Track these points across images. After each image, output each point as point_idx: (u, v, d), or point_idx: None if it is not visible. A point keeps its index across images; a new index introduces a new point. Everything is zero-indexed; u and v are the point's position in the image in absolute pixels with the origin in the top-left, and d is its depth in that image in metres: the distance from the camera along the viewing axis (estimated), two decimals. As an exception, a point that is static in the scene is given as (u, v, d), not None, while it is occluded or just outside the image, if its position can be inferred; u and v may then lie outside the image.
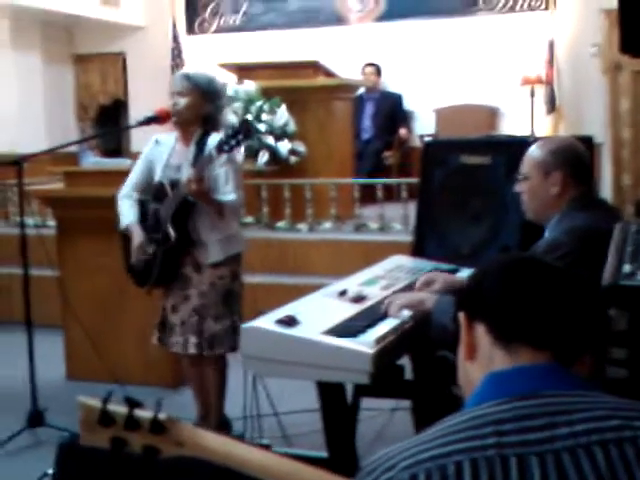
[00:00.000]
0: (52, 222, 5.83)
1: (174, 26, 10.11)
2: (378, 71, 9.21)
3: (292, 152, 6.74)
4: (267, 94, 6.77)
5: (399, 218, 6.38)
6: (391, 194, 6.95)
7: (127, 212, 3.89)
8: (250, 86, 6.82)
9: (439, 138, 7.95)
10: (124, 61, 10.67)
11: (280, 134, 6.67)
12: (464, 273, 3.33)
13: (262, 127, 6.58)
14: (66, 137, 8.54)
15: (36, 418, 4.14)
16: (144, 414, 1.49)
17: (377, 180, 6.95)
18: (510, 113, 8.93)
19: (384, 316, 2.78)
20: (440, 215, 4.00)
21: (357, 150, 8.10)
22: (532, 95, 8.65)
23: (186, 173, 3.67)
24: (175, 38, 10.11)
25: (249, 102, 6.68)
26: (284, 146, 6.68)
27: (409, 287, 3.13)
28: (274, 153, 6.65)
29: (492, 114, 8.99)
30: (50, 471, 2.63)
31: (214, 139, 3.70)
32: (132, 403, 1.50)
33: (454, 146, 4.16)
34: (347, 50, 9.29)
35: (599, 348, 1.86)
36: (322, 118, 6.98)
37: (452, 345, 1.37)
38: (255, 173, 6.60)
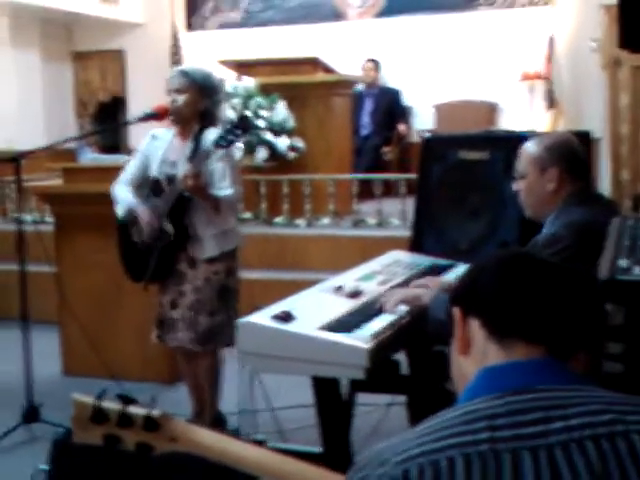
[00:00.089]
0: (50, 218, 5.83)
1: (173, 23, 10.09)
2: (377, 66, 9.20)
3: (291, 148, 6.74)
4: (266, 90, 6.77)
5: (397, 213, 6.38)
6: (389, 190, 6.95)
7: (125, 196, 3.87)
8: (249, 82, 6.83)
9: (438, 134, 7.95)
10: (123, 58, 10.66)
11: (279, 130, 6.67)
12: (461, 269, 3.32)
13: (261, 123, 6.58)
14: (65, 134, 8.55)
15: (31, 414, 4.14)
16: (137, 411, 1.49)
17: (375, 176, 6.95)
18: (509, 109, 8.92)
19: (380, 311, 2.77)
20: (438, 210, 4.00)
21: (356, 146, 8.10)
22: (531, 91, 8.65)
23: (182, 169, 3.66)
24: (174, 35, 10.11)
25: (248, 98, 6.68)
26: (283, 142, 6.68)
27: (406, 283, 3.12)
28: (273, 149, 6.65)
29: (491, 110, 8.99)
30: (44, 467, 2.63)
31: (211, 134, 3.70)
32: (125, 400, 1.50)
33: (453, 142, 4.16)
34: (346, 46, 9.28)
35: (595, 343, 1.85)
36: (321, 114, 6.97)
37: (448, 340, 1.36)
38: (254, 169, 6.60)
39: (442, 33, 9.12)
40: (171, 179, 3.72)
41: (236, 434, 3.54)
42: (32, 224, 5.18)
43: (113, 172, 4.09)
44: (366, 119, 8.96)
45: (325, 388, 2.78)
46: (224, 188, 3.72)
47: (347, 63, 8.66)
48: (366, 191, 6.89)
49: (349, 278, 3.19)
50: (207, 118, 3.82)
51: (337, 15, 9.63)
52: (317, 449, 2.87)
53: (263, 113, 6.63)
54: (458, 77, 8.98)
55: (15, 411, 4.15)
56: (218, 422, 3.89)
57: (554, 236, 2.67)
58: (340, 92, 7.27)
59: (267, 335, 2.60)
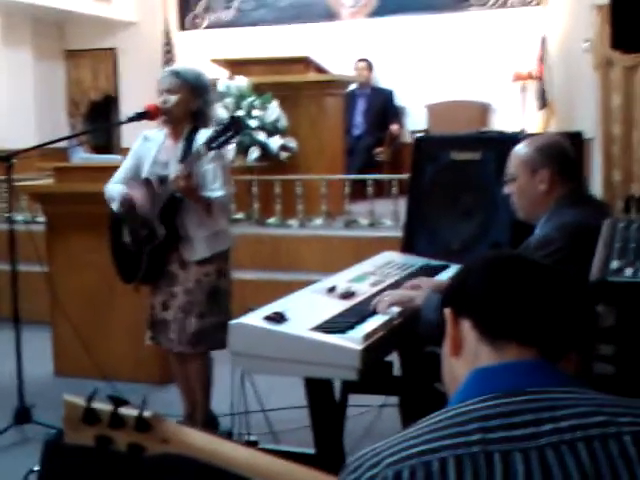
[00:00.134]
0: (42, 218, 5.81)
1: (166, 22, 10.07)
2: (370, 66, 9.20)
3: (283, 148, 6.74)
4: (259, 90, 6.76)
5: (389, 214, 6.38)
6: (382, 190, 6.95)
7: (118, 189, 3.85)
8: (242, 82, 6.81)
9: (430, 134, 7.95)
10: (115, 57, 10.63)
11: (271, 130, 6.66)
12: (454, 269, 3.32)
13: (253, 123, 6.57)
14: (56, 133, 8.51)
15: (23, 415, 4.12)
16: (129, 412, 1.49)
17: (368, 176, 6.95)
18: (501, 109, 8.93)
19: (373, 312, 2.77)
20: (431, 211, 4.00)
21: (348, 146, 8.09)
22: (523, 91, 8.66)
23: (174, 169, 3.65)
24: (167, 34, 10.08)
25: (240, 98, 6.67)
26: (275, 142, 6.67)
27: (398, 284, 3.13)
28: (265, 149, 6.64)
29: (483, 110, 9.00)
30: (36, 468, 2.63)
31: (203, 135, 3.69)
32: (117, 401, 1.50)
33: (445, 142, 4.16)
34: (339, 46, 9.27)
35: (586, 345, 1.86)
36: (313, 114, 6.97)
37: (440, 342, 1.36)
38: (246, 169, 6.59)
39: (434, 33, 9.12)
40: (163, 180, 3.71)
41: (228, 435, 3.54)
42: (23, 224, 5.17)
43: (105, 172, 4.08)
44: (358, 119, 8.96)
45: (318, 389, 2.78)
46: (216, 189, 3.71)
47: (339, 63, 8.65)
48: (358, 191, 6.89)
49: (342, 279, 3.19)
50: (199, 118, 3.82)
51: (330, 15, 9.63)
52: (310, 450, 2.87)
53: (256, 113, 6.62)
54: (450, 77, 8.98)
55: (6, 412, 4.14)
56: (210, 423, 3.89)
57: (546, 238, 2.68)
58: (333, 92, 7.27)
59: (259, 336, 2.60)
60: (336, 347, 2.49)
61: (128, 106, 9.29)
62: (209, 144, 3.55)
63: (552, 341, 1.25)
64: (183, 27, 10.27)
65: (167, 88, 3.76)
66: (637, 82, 7.13)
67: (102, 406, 1.49)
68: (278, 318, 2.63)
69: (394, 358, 3.45)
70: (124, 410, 1.48)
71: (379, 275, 3.29)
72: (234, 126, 3.60)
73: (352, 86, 8.65)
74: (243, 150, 6.58)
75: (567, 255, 2.53)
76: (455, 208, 3.94)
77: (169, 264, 3.81)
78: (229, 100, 6.63)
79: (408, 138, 8.78)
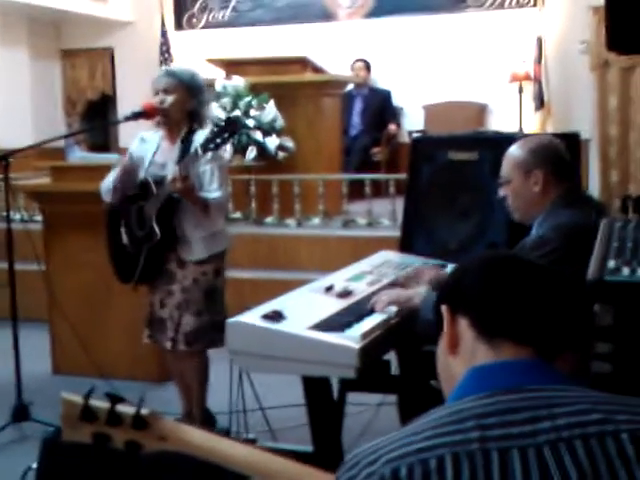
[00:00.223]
0: (39, 217, 5.81)
1: (162, 21, 10.07)
2: (368, 67, 9.20)
3: (280, 148, 6.74)
4: (255, 90, 6.76)
5: (387, 214, 6.39)
6: (379, 190, 6.96)
7: (110, 179, 3.83)
8: (238, 82, 6.81)
9: (427, 134, 7.96)
10: (112, 56, 10.62)
11: (268, 130, 6.67)
12: (450, 269, 3.33)
13: (250, 123, 6.57)
14: (53, 132, 8.51)
15: (21, 413, 4.13)
16: (126, 409, 1.49)
17: (365, 176, 6.95)
18: (498, 110, 8.94)
19: (370, 311, 2.78)
20: (428, 211, 4.00)
21: (345, 146, 8.10)
22: (520, 92, 8.66)
23: (171, 171, 3.65)
24: (163, 33, 10.07)
25: (237, 97, 6.67)
26: (272, 142, 6.67)
27: (395, 283, 3.13)
28: (262, 149, 6.64)
29: (480, 111, 9.01)
30: (34, 465, 2.63)
31: (200, 136, 3.69)
32: (114, 398, 1.50)
33: (442, 142, 4.16)
34: (336, 46, 9.28)
35: (583, 344, 1.86)
36: (311, 114, 6.98)
37: (437, 341, 1.37)
38: (243, 169, 6.59)
39: (431, 34, 9.13)
40: (159, 181, 3.71)
41: (226, 434, 3.54)
42: (21, 223, 5.17)
43: (102, 171, 4.08)
44: (356, 119, 8.97)
45: (315, 387, 2.78)
46: (213, 190, 3.71)
47: (337, 63, 8.66)
48: (356, 191, 6.89)
49: (339, 278, 3.20)
50: (194, 119, 3.82)
51: (326, 15, 9.63)
52: (308, 449, 2.88)
53: (253, 113, 6.62)
54: (448, 78, 8.99)
55: (4, 410, 4.14)
56: (207, 422, 3.89)
57: (542, 238, 2.68)
58: (330, 92, 7.28)
59: (257, 335, 2.61)
60: (334, 345, 2.50)
61: (125, 105, 9.28)
62: (205, 145, 3.56)
63: (547, 341, 1.26)
64: (180, 27, 10.26)
65: (164, 88, 3.76)
66: (633, 83, 7.16)
67: (99, 404, 1.50)
68: (276, 317, 2.64)
69: (392, 357, 3.46)
70: (121, 407, 1.49)
71: (376, 274, 3.30)
72: (230, 127, 3.60)
73: (349, 86, 8.65)
74: (241, 150, 6.58)
75: (563, 255, 2.53)
76: (452, 208, 3.94)
77: (168, 262, 3.81)
78: (226, 100, 6.63)
79: (405, 138, 8.79)
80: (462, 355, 1.28)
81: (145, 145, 3.89)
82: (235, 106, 6.62)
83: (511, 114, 8.69)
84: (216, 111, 6.26)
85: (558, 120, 8.46)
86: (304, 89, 7.01)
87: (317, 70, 7.51)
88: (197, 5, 10.16)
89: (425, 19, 9.14)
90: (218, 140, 3.56)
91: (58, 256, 5.07)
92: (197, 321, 3.80)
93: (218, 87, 6.68)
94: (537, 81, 8.63)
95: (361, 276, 3.25)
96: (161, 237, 3.70)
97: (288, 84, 7.00)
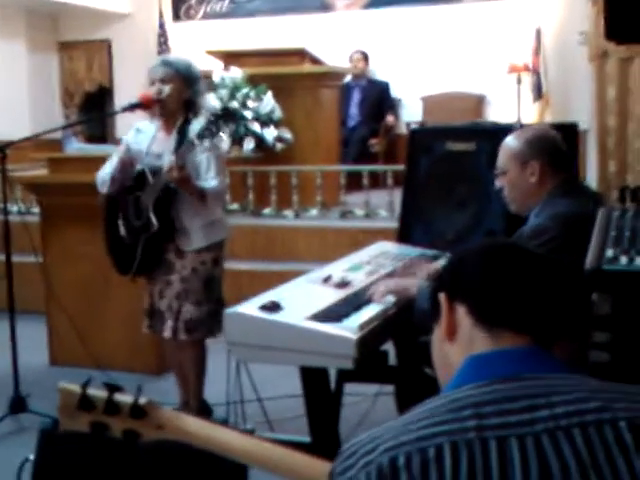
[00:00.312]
0: (36, 209, 5.80)
1: (160, 13, 10.04)
2: (366, 58, 9.19)
3: (278, 139, 6.74)
4: (253, 81, 6.75)
5: (385, 205, 6.39)
6: (377, 181, 6.96)
7: (107, 170, 3.83)
8: (236, 73, 6.80)
9: (425, 125, 7.95)
10: (109, 48, 10.61)
11: (266, 121, 6.66)
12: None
13: (248, 114, 6.56)
14: (51, 124, 8.47)
15: (18, 404, 4.13)
16: (124, 398, 1.49)
17: (363, 167, 6.95)
18: (497, 101, 8.93)
19: (368, 302, 2.78)
20: (426, 202, 4.00)
21: (343, 137, 8.09)
22: (519, 83, 8.65)
23: (167, 161, 3.65)
24: (161, 25, 10.05)
25: (235, 89, 6.66)
26: (270, 133, 6.66)
27: (392, 274, 3.13)
28: (260, 140, 6.64)
29: (479, 102, 9.00)
30: (32, 457, 2.63)
31: (195, 126, 3.69)
32: (112, 388, 1.50)
33: (440, 133, 4.16)
34: (334, 37, 9.26)
35: (580, 333, 1.86)
36: (309, 105, 6.97)
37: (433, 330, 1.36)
38: (241, 160, 6.58)
39: (429, 25, 9.11)
40: (156, 171, 3.71)
41: (224, 424, 3.54)
42: (18, 214, 5.16)
43: (99, 162, 4.07)
44: (354, 110, 8.96)
45: (313, 378, 2.78)
46: (209, 179, 3.71)
47: (335, 54, 8.64)
48: (354, 182, 6.89)
49: (337, 269, 3.20)
50: (190, 108, 3.82)
51: (325, 6, 9.61)
52: (306, 439, 2.88)
53: (250, 104, 6.61)
54: (446, 69, 8.98)
55: (2, 402, 4.14)
56: (204, 412, 3.89)
57: (539, 227, 2.68)
58: (328, 83, 7.27)
59: (255, 325, 2.61)
60: (331, 336, 2.50)
61: (122, 97, 9.26)
62: (201, 134, 3.56)
63: (545, 329, 1.25)
64: (177, 18, 10.24)
65: (160, 77, 3.75)
66: (632, 74, 7.14)
67: (97, 393, 1.50)
68: (274, 307, 2.64)
69: (389, 347, 3.46)
70: (119, 397, 1.49)
71: (374, 265, 3.30)
72: (225, 116, 3.60)
73: (347, 77, 8.64)
74: (238, 141, 6.57)
75: (561, 244, 2.53)
76: (450, 199, 3.94)
77: (166, 253, 3.81)
78: (224, 91, 6.62)
79: (403, 129, 8.77)
80: (459, 342, 1.28)
81: (141, 135, 3.88)
82: (233, 97, 6.61)
83: (509, 105, 8.68)
84: (213, 102, 6.25)
85: (556, 111, 8.44)
86: (302, 80, 7.00)
87: (315, 61, 7.50)
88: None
89: (423, 10, 9.12)
90: (213, 128, 3.56)
91: (56, 248, 5.06)
92: (197, 310, 3.81)
93: (216, 79, 6.66)
94: (535, 72, 8.62)
95: (359, 267, 3.25)
96: (159, 227, 3.70)
97: (286, 75, 6.99)
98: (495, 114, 8.71)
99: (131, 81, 8.98)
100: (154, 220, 3.70)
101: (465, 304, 1.28)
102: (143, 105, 3.80)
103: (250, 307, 2.67)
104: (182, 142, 3.67)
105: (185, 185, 3.64)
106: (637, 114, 6.99)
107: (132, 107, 3.84)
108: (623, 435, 1.11)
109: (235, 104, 6.52)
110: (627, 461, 1.10)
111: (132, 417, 1.48)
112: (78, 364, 4.64)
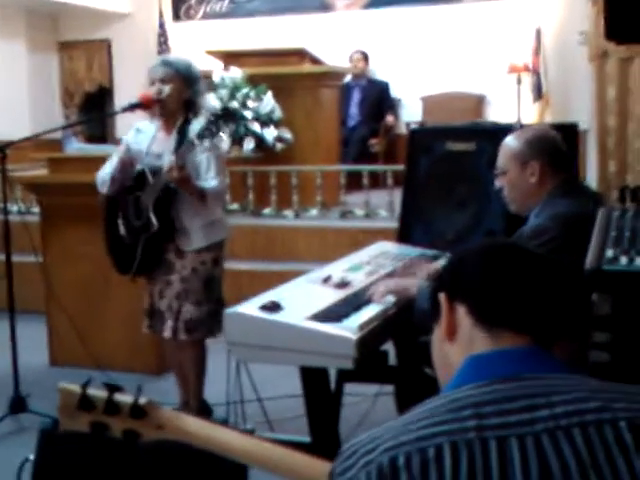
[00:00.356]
0: (36, 209, 5.80)
1: (160, 13, 10.04)
2: (366, 58, 9.19)
3: (278, 139, 6.74)
4: (253, 81, 6.75)
5: (385, 205, 6.39)
6: (377, 181, 6.96)
7: (107, 170, 3.83)
8: (236, 73, 6.80)
9: (425, 125, 7.95)
10: (109, 48, 10.61)
11: (266, 121, 6.66)
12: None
13: (248, 114, 6.56)
14: (51, 124, 8.47)
15: (18, 404, 4.12)
16: (124, 398, 1.49)
17: (363, 167, 6.95)
18: (497, 101, 8.93)
19: (368, 302, 2.78)
20: (426, 202, 4.00)
21: (343, 137, 8.09)
22: (519, 83, 8.65)
23: (167, 161, 3.65)
24: (161, 25, 10.05)
25: (235, 89, 6.66)
26: (270, 133, 6.67)
27: (392, 274, 3.13)
28: (260, 140, 6.64)
29: (479, 102, 9.00)
30: (32, 457, 2.63)
31: (195, 126, 3.69)
32: (112, 387, 1.50)
33: (440, 133, 4.16)
34: (334, 37, 9.26)
35: (580, 333, 1.86)
36: (309, 105, 6.97)
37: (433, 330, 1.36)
38: (241, 160, 6.58)
39: (429, 25, 9.11)
40: (156, 171, 3.71)
41: (224, 424, 3.54)
42: (18, 214, 5.16)
43: (99, 162, 4.07)
44: (354, 110, 8.96)
45: (313, 378, 2.78)
46: (209, 179, 3.71)
47: (335, 54, 8.64)
48: (354, 182, 6.89)
49: (337, 269, 3.20)
50: (191, 108, 3.82)
51: (325, 6, 9.61)
52: (306, 439, 2.88)
53: (250, 104, 6.61)
54: (446, 69, 8.98)
55: (2, 402, 4.14)
56: (204, 412, 3.89)
57: (539, 227, 2.68)
58: (328, 83, 7.27)
59: (255, 325, 2.61)
60: (331, 336, 2.50)
61: (122, 97, 9.26)
62: (201, 134, 3.56)
63: (545, 329, 1.25)
64: (177, 18, 10.24)
65: (161, 77, 3.75)
66: (632, 74, 7.13)
67: (97, 393, 1.50)
68: (274, 307, 2.64)
69: (389, 347, 3.46)
70: (119, 396, 1.49)
71: (374, 265, 3.30)
72: (225, 116, 3.60)
73: (347, 77, 8.64)
74: (238, 141, 6.58)
75: (561, 244, 2.53)
76: (450, 199, 3.94)
77: (166, 253, 3.81)
78: (224, 91, 6.62)
79: (403, 129, 8.77)
80: (459, 342, 1.28)
81: (141, 135, 3.88)
82: (233, 97, 6.61)
83: (509, 105, 8.68)
84: (213, 102, 6.25)
85: (556, 111, 8.44)
86: (302, 80, 7.00)
87: (315, 61, 7.50)
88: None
89: (423, 10, 9.12)
90: (213, 128, 3.57)
91: (56, 248, 5.06)
92: (197, 310, 3.81)
93: (216, 79, 6.66)
94: (535, 72, 8.61)
95: (359, 267, 3.25)
96: (159, 227, 3.70)
97: (286, 75, 6.99)
98: (495, 114, 8.71)
99: (131, 81, 8.98)
100: (154, 220, 3.70)
101: (465, 304, 1.28)
102: (143, 105, 3.80)
103: (250, 307, 2.67)
104: (182, 142, 3.67)
105: (185, 185, 3.65)
106: (637, 114, 6.99)
107: (132, 107, 3.84)
108: (623, 435, 1.11)
109: (235, 104, 6.52)
110: (627, 461, 1.10)
111: (132, 417, 1.48)
112: (78, 364, 4.64)
